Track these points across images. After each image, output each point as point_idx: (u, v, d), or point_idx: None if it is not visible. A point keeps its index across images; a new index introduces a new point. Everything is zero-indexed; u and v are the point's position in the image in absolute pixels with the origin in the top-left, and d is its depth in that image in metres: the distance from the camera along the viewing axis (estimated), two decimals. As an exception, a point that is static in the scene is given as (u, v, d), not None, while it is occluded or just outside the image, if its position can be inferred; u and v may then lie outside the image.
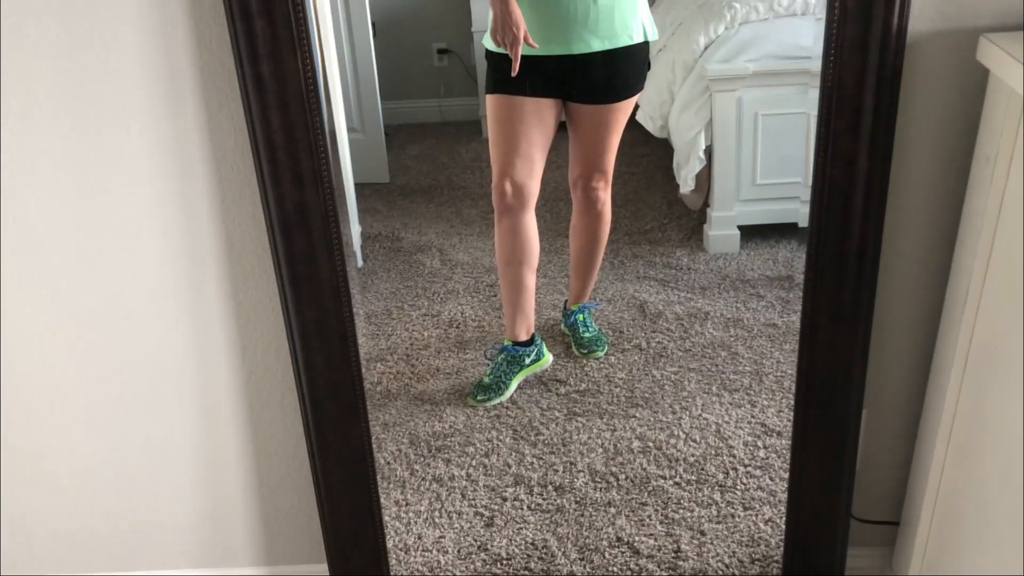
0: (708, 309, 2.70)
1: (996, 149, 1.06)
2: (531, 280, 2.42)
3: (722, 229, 3.07)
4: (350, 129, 3.76)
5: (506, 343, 2.43)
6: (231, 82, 1.12)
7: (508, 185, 2.27)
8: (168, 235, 1.28)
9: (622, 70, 2.21)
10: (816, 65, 2.77)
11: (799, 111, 2.93)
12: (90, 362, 1.41)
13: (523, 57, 2.10)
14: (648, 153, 3.65)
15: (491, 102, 2.24)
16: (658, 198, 3.59)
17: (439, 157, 4.32)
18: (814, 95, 2.79)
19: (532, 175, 2.27)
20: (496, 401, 2.32)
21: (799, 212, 3.08)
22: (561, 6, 2.06)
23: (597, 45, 2.12)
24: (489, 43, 2.18)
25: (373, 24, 3.88)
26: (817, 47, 2.68)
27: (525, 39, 2.08)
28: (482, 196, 3.75)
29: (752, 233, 3.13)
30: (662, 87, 3.14)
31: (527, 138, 2.21)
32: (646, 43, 2.23)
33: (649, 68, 2.36)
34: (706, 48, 2.94)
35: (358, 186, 3.43)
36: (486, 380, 2.35)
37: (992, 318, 1.13)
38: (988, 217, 1.09)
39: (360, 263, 3.15)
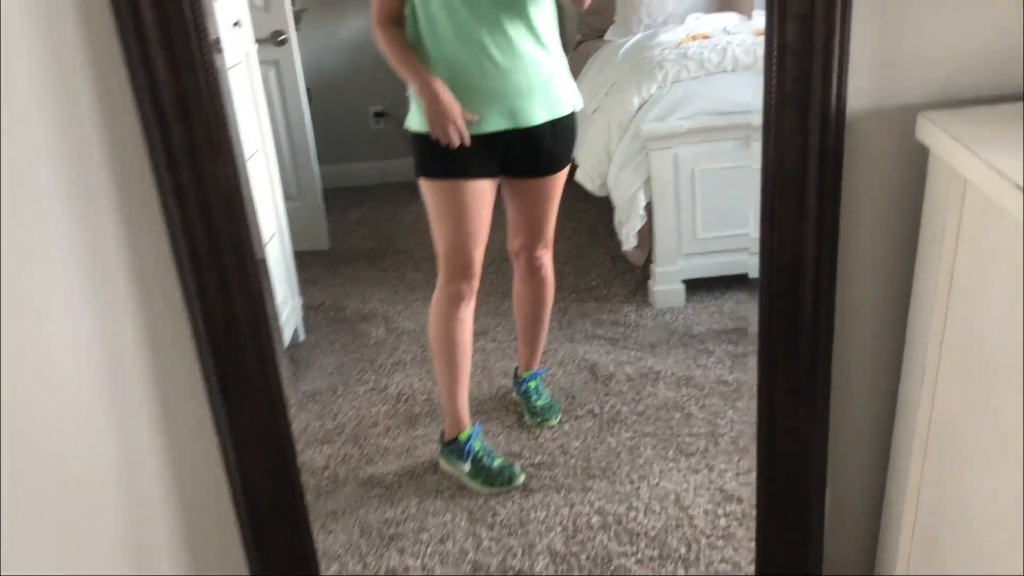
0: (659, 368, 2.68)
1: (942, 227, 1.05)
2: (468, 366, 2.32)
3: (667, 284, 3.07)
4: (288, 197, 3.69)
5: (464, 436, 2.26)
6: (150, 188, 1.06)
7: (460, 275, 2.15)
8: (89, 352, 1.20)
9: (564, 140, 2.14)
10: (756, 119, 2.81)
11: (735, 164, 2.96)
12: (11, 480, 1.31)
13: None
14: (589, 208, 3.65)
15: (430, 188, 2.08)
16: (601, 254, 3.59)
17: (380, 220, 4.27)
18: (756, 147, 2.84)
19: (480, 257, 2.17)
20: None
21: (746, 263, 3.11)
22: (505, 78, 1.97)
23: (543, 116, 2.04)
24: (416, 123, 2.05)
25: (308, 90, 3.85)
26: (756, 101, 2.73)
27: (465, 115, 1.98)
28: (425, 259, 3.69)
29: (697, 286, 3.13)
30: (599, 147, 3.15)
31: (476, 221, 2.09)
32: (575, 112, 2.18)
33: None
34: (640, 107, 2.96)
35: (298, 254, 3.36)
36: (495, 465, 2.22)
37: (950, 394, 1.11)
38: (939, 295, 1.07)
39: (303, 337, 3.06)
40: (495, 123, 2.00)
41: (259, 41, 3.27)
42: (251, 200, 0.98)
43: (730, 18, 3.36)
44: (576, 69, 3.91)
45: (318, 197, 3.83)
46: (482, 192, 2.07)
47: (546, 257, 2.37)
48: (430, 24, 1.96)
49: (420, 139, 2.05)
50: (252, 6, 3.24)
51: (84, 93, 1.04)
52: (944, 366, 1.11)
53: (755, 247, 3.00)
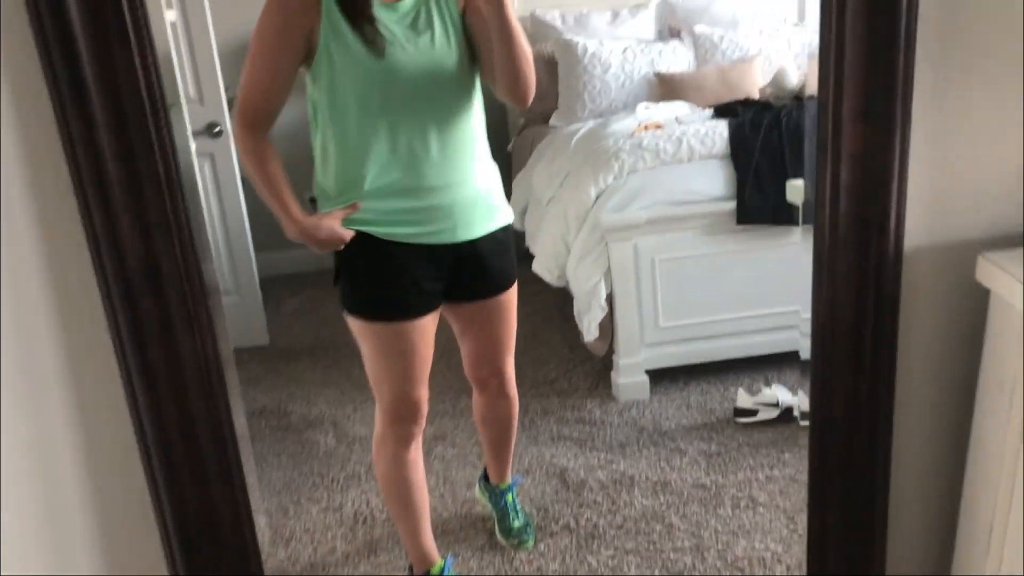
0: (632, 472, 2.55)
1: (1010, 375, 0.97)
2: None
3: (630, 376, 2.97)
4: (224, 292, 3.49)
5: (435, 571, 2.05)
6: (110, 366, 0.89)
7: (406, 418, 1.89)
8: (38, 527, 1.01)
9: (508, 253, 1.88)
10: (712, 207, 2.78)
11: (695, 253, 2.90)
12: None
13: (398, 265, 1.72)
14: (542, 291, 3.53)
15: (362, 330, 1.81)
16: (559, 341, 3.47)
17: (321, 310, 4.08)
18: (717, 237, 2.79)
19: (426, 394, 1.91)
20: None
21: (707, 351, 3.03)
22: (444, 188, 1.71)
23: (486, 228, 1.80)
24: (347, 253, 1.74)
25: (244, 180, 3.68)
26: (712, 190, 2.68)
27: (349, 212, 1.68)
28: (371, 352, 3.53)
29: (660, 376, 3.04)
30: (556, 238, 3.05)
31: (420, 363, 1.84)
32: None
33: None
34: (597, 198, 2.89)
35: (236, 351, 3.16)
36: None
37: (1016, 559, 1.01)
38: (1009, 445, 0.98)
39: (246, 448, 2.84)
40: (431, 237, 1.73)
41: (194, 134, 3.12)
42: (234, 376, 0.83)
43: (680, 107, 3.34)
44: (521, 154, 3.86)
45: (256, 291, 3.65)
46: (425, 329, 1.82)
47: (510, 373, 2.11)
48: (343, 128, 1.66)
49: (344, 264, 1.74)
50: (187, 98, 3.10)
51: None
52: (1012, 522, 1.01)
53: (717, 331, 2.94)
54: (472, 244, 1.79)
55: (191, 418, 0.86)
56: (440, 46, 1.65)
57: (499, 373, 2.08)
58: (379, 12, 1.62)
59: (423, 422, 1.94)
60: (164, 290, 0.82)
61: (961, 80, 0.96)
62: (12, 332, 0.88)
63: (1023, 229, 1.04)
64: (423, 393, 1.90)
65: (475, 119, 1.76)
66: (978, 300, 1.04)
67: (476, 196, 1.78)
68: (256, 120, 1.67)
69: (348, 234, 1.68)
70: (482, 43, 1.67)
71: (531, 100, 1.70)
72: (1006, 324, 0.99)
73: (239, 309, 3.55)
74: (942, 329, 1.07)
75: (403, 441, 1.92)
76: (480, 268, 1.84)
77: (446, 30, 1.66)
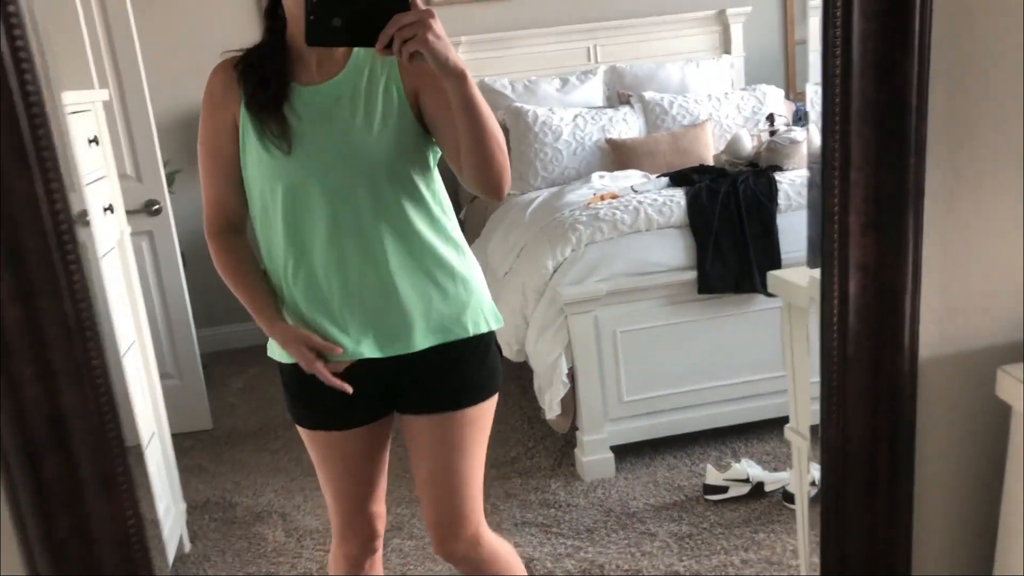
0: (602, 560, 2.42)
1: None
2: None
3: (595, 453, 2.86)
4: (163, 375, 3.31)
5: None
6: (7, 540, 0.74)
7: (360, 537, 1.68)
8: None
9: (466, 368, 1.55)
10: (671, 277, 2.71)
11: (657, 324, 2.82)
12: None
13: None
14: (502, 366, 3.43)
15: (307, 437, 1.62)
16: (518, 416, 3.34)
17: (266, 389, 3.90)
18: (679, 307, 2.73)
19: (382, 511, 1.70)
20: None
21: (673, 424, 2.94)
22: (378, 292, 1.47)
23: (430, 340, 1.51)
24: (277, 350, 1.54)
25: (182, 254, 3.53)
26: (672, 260, 2.61)
27: (326, 349, 1.47)
28: (322, 433, 3.36)
29: (625, 452, 2.93)
30: (515, 311, 2.95)
31: (370, 476, 1.64)
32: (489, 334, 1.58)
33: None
34: (555, 271, 2.81)
35: (177, 437, 2.97)
36: None
37: None
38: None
39: (188, 547, 2.65)
40: (367, 350, 1.49)
41: (131, 212, 2.97)
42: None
43: (634, 175, 3.29)
44: (473, 224, 3.78)
45: (198, 372, 3.47)
46: (373, 439, 1.61)
47: (485, 537, 1.65)
48: (269, 224, 1.49)
49: (286, 372, 1.56)
50: (123, 176, 2.95)
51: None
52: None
53: (682, 403, 2.86)
54: (413, 357, 1.52)
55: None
56: (369, 130, 1.43)
57: (457, 533, 1.62)
58: (299, 97, 1.43)
59: (377, 544, 1.70)
60: (72, 447, 0.69)
61: (972, 182, 0.89)
62: None
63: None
64: (375, 510, 1.67)
65: (424, 218, 1.49)
66: (998, 415, 0.96)
67: (421, 299, 1.50)
68: (225, 227, 1.53)
69: (311, 348, 1.47)
70: (442, 127, 1.42)
71: (505, 192, 1.42)
72: (1029, 442, 0.91)
73: (180, 392, 3.37)
74: (960, 448, 0.99)
75: (358, 562, 1.70)
76: (425, 382, 1.55)
77: (384, 111, 1.43)
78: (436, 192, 1.52)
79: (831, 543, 0.91)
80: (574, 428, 2.92)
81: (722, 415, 2.93)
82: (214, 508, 2.89)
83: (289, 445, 3.30)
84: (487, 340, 1.56)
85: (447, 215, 1.54)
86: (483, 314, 1.55)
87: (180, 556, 2.58)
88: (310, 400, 1.56)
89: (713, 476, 2.67)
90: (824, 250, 0.83)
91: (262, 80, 1.42)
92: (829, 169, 0.78)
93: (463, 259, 1.55)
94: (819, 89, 0.80)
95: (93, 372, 0.69)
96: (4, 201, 0.61)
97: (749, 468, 2.66)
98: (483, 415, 1.58)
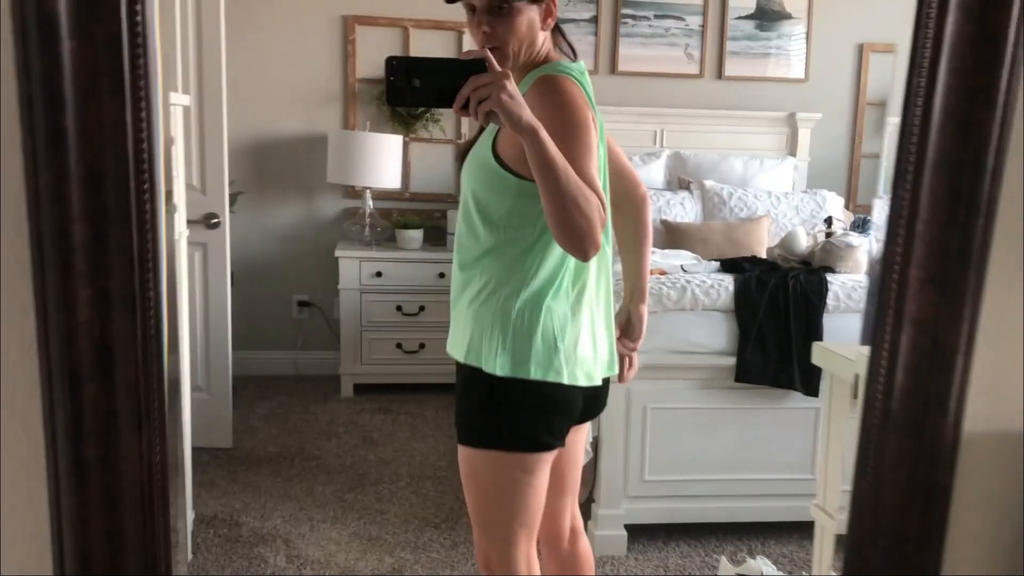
0: (601, 637, 2.34)
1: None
2: None
3: (608, 529, 2.80)
4: (194, 387, 3.33)
5: None
6: (37, 455, 0.75)
7: (558, 540, 1.83)
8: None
9: (466, 399, 1.61)
10: (711, 360, 2.69)
11: (690, 406, 2.79)
12: None
13: None
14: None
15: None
16: (533, 482, 3.30)
17: (291, 418, 3.91)
18: (713, 392, 2.69)
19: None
20: None
21: (693, 511, 2.88)
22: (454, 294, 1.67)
23: (453, 351, 1.65)
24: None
25: (232, 273, 3.59)
26: (713, 343, 2.59)
27: None
28: (338, 470, 3.34)
29: (639, 533, 2.86)
30: (548, 372, 2.94)
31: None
32: (489, 373, 1.55)
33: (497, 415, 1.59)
34: (596, 336, 2.80)
35: (196, 451, 2.97)
36: None
37: None
38: None
39: (190, 557, 2.63)
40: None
41: (190, 222, 3.04)
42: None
43: (684, 255, 3.30)
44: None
45: (227, 390, 3.49)
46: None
47: (491, 559, 1.66)
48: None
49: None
50: (189, 185, 3.04)
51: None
52: None
53: (703, 491, 2.80)
54: (457, 365, 1.65)
55: (120, 533, 0.72)
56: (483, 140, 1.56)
57: (482, 559, 1.68)
58: None
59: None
60: (113, 376, 0.70)
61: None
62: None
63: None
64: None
65: (495, 233, 1.54)
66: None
67: (460, 314, 1.62)
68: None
69: None
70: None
71: (591, 255, 1.38)
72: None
73: (206, 407, 3.39)
74: (994, 530, 0.95)
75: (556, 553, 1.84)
76: (456, 401, 1.65)
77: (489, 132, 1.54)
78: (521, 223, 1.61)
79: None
80: (590, 500, 2.87)
81: (743, 510, 2.86)
82: (220, 524, 2.88)
83: (304, 474, 3.29)
84: (480, 379, 1.57)
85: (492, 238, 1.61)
86: (496, 350, 1.56)
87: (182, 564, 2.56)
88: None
89: (726, 568, 2.60)
90: (881, 301, 0.82)
91: None
92: (895, 219, 0.78)
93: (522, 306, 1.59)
94: (886, 203, 0.80)
95: (147, 305, 0.70)
96: (92, 121, 0.64)
97: (764, 567, 2.58)
98: (476, 457, 1.62)
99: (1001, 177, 0.78)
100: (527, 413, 1.55)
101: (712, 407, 2.80)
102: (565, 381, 1.56)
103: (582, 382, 1.59)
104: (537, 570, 1.69)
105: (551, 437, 1.59)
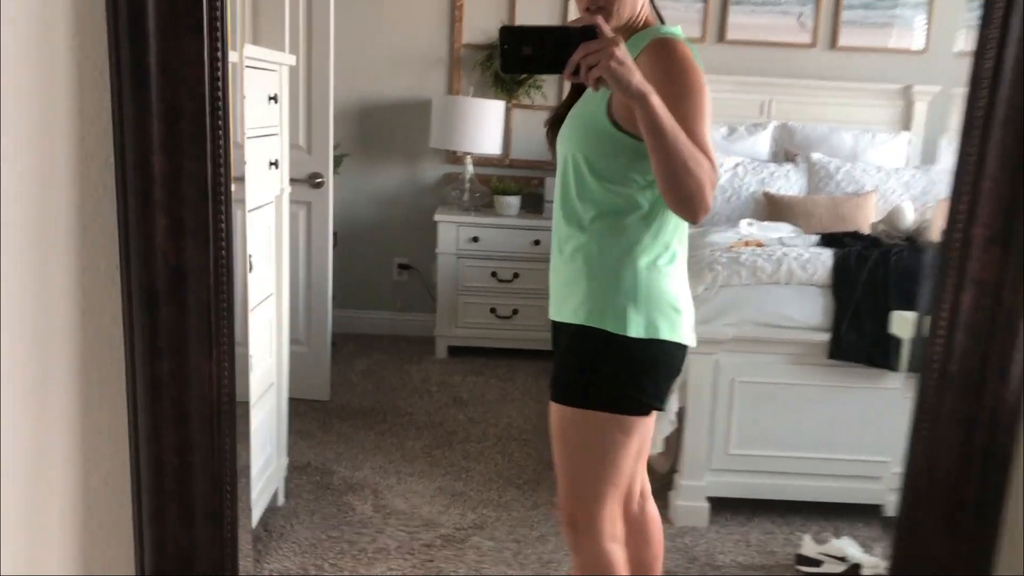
0: (676, 604, 2.35)
1: None
2: None
3: (690, 500, 2.79)
4: (294, 341, 3.47)
5: None
6: (118, 373, 0.82)
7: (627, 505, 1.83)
8: None
9: (571, 359, 1.63)
10: (807, 335, 2.63)
11: (779, 381, 2.74)
12: None
13: None
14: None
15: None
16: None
17: (387, 376, 4.03)
18: (806, 368, 2.63)
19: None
20: None
21: (777, 488, 2.83)
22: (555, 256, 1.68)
23: (560, 314, 1.65)
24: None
25: (335, 233, 3.71)
26: (809, 318, 2.52)
27: None
28: (428, 426, 3.44)
29: (722, 506, 2.84)
30: (635, 340, 2.94)
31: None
32: (611, 334, 1.55)
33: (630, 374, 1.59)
34: (685, 306, 2.77)
35: (293, 402, 3.10)
36: None
37: None
38: None
39: (282, 500, 2.76)
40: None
41: (295, 181, 3.15)
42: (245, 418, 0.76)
43: (784, 228, 3.22)
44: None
45: (326, 345, 3.62)
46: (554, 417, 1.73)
47: (586, 538, 1.67)
48: None
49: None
50: (294, 145, 3.14)
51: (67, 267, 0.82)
52: None
53: (790, 468, 2.76)
54: (559, 328, 1.67)
55: (189, 447, 0.78)
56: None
57: (568, 517, 1.70)
58: None
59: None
60: (186, 300, 0.75)
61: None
62: (28, 317, 0.83)
63: None
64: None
65: (604, 184, 1.55)
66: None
67: (563, 267, 1.63)
68: None
69: None
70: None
71: (701, 217, 1.41)
72: None
73: (306, 360, 3.52)
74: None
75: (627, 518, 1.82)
76: (557, 362, 1.66)
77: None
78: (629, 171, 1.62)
79: (899, 568, 0.87)
80: (673, 471, 2.86)
81: (830, 490, 2.80)
82: (312, 472, 3.00)
83: (395, 429, 3.39)
84: (599, 338, 1.57)
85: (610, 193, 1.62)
86: (626, 308, 1.57)
87: (272, 508, 2.69)
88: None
89: (809, 547, 2.55)
90: (943, 260, 0.79)
91: None
92: (961, 176, 0.76)
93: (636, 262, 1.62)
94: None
95: (219, 234, 0.75)
96: (172, 59, 0.69)
97: (849, 547, 2.53)
98: (584, 418, 1.62)
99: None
100: (645, 375, 1.58)
101: (803, 383, 2.74)
102: (684, 342, 1.60)
103: (692, 343, 1.64)
104: (621, 530, 1.71)
105: (657, 400, 1.62)
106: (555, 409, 1.64)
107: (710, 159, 1.38)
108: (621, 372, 1.58)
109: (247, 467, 1.31)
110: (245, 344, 0.82)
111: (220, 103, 0.72)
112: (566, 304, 1.63)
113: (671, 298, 1.58)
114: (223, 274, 0.76)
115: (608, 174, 1.55)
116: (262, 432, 2.51)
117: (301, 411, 3.45)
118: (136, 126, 0.70)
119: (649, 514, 1.89)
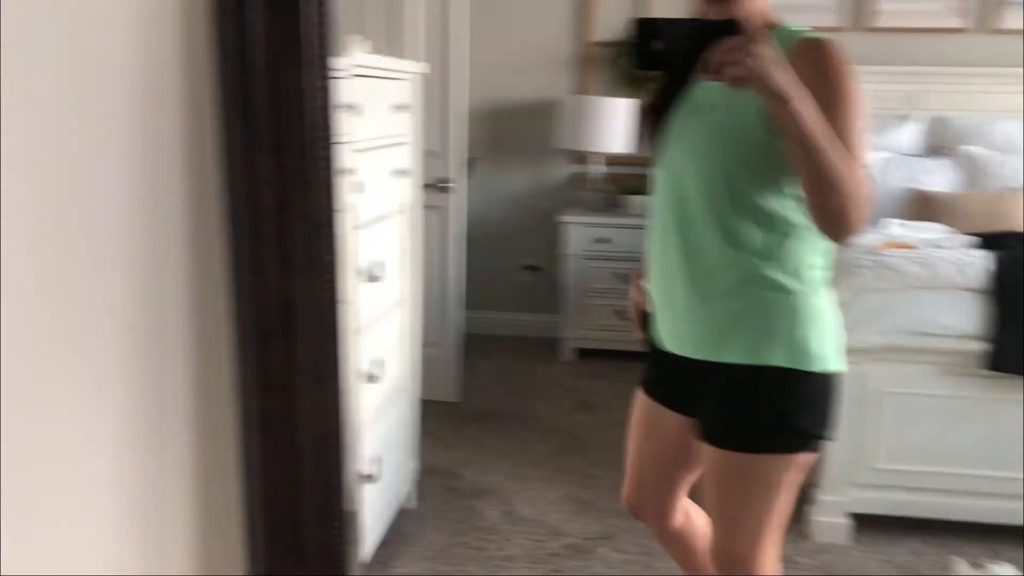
0: (815, 628, 2.22)
1: None
2: None
3: (830, 516, 2.64)
4: (426, 342, 3.50)
5: None
6: (224, 416, 0.81)
7: (624, 499, 1.78)
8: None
9: (732, 401, 1.47)
10: (965, 345, 2.43)
11: (932, 393, 2.55)
12: None
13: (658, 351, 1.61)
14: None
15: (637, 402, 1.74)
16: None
17: (514, 376, 4.02)
18: (962, 379, 2.42)
19: (642, 500, 1.72)
20: None
21: (929, 506, 2.63)
22: (672, 283, 1.51)
23: (692, 351, 1.51)
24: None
25: (469, 236, 3.73)
26: (965, 326, 2.31)
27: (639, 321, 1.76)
28: (554, 430, 3.40)
29: (866, 524, 2.68)
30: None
31: (641, 451, 1.71)
32: (786, 370, 1.41)
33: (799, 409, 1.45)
34: (827, 312, 2.63)
35: (425, 403, 3.12)
36: None
37: None
38: None
39: (414, 504, 2.79)
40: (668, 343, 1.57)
41: (426, 186, 3.17)
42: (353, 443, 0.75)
43: (935, 229, 3.01)
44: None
45: (459, 346, 3.64)
46: (655, 423, 1.69)
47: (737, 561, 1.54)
48: None
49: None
50: (428, 151, 3.14)
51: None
52: None
53: (943, 485, 2.56)
54: (685, 362, 1.52)
55: (299, 482, 0.77)
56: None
57: (717, 555, 1.57)
58: None
59: (653, 526, 1.75)
60: (297, 335, 0.74)
61: None
62: (143, 354, 0.84)
63: None
64: (635, 503, 1.73)
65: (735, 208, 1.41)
66: None
67: (712, 307, 1.46)
68: None
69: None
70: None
71: (848, 239, 1.33)
72: None
73: (438, 362, 3.55)
74: None
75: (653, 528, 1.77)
76: (696, 393, 1.53)
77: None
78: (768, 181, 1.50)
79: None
80: (812, 484, 2.72)
81: (990, 510, 2.60)
82: (442, 475, 3.02)
83: (522, 432, 3.37)
84: (775, 375, 1.43)
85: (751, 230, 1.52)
86: (764, 343, 1.43)
87: (404, 511, 2.72)
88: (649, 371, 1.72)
89: (961, 568, 2.37)
90: None
91: None
92: None
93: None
94: None
95: (323, 268, 0.74)
96: (281, 91, 0.68)
97: (1010, 573, 2.33)
98: (752, 462, 1.48)
99: None
100: (823, 410, 1.46)
101: (958, 395, 2.55)
102: (845, 369, 1.50)
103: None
104: (782, 570, 1.61)
105: (831, 432, 1.49)
106: (712, 452, 1.50)
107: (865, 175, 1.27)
108: (799, 410, 1.43)
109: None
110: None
111: (325, 135, 0.70)
112: (705, 338, 1.47)
113: (834, 323, 1.46)
114: (330, 306, 0.75)
115: (761, 189, 1.39)
116: (394, 436, 2.53)
117: (431, 412, 3.48)
118: (244, 161, 0.70)
119: (692, 517, 1.76)
